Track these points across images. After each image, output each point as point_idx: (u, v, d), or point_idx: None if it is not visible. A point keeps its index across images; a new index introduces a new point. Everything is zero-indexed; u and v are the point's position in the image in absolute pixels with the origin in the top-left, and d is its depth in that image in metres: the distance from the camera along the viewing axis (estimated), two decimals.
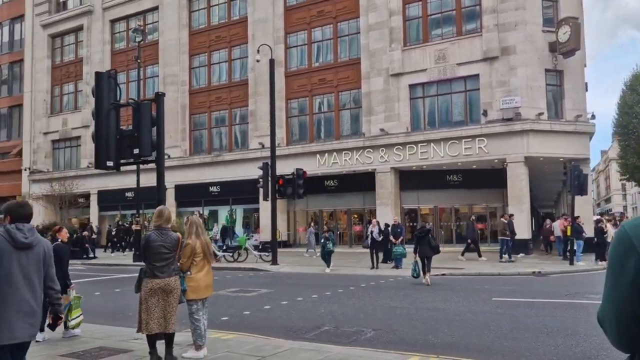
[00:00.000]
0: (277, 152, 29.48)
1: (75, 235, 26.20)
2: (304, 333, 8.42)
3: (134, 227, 25.56)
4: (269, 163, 20.65)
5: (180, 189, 33.23)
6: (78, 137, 38.32)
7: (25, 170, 39.89)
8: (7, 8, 45.48)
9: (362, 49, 28.50)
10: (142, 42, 26.92)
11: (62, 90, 40.00)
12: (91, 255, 26.04)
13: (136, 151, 8.05)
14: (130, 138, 8.19)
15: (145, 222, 27.44)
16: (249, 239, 25.55)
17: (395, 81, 27.21)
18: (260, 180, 21.10)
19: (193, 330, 6.77)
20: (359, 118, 28.77)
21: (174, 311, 6.45)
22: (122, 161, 8.29)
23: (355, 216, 30.88)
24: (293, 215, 31.25)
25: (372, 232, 19.23)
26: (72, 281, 8.21)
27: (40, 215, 36.30)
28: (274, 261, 20.05)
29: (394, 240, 19.10)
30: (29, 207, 4.54)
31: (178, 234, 6.72)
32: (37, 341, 7.81)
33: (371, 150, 27.34)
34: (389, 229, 19.97)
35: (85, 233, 27.37)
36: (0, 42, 46.50)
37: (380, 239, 19.06)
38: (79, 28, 38.85)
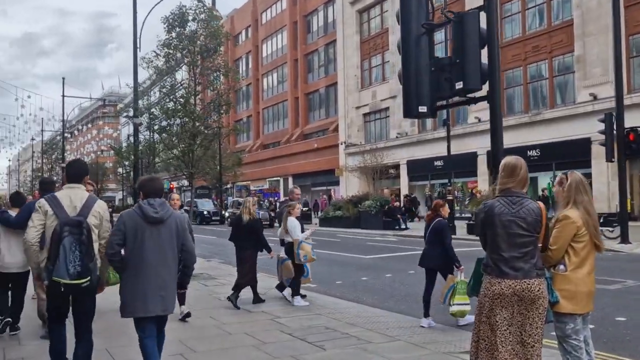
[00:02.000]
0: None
1: (387, 206, 25.81)
2: None
3: (448, 197, 23.68)
4: (614, 114, 16.04)
5: None
6: (386, 109, 38.56)
7: (341, 144, 42.19)
8: None
9: None
10: None
11: (370, 63, 40.78)
12: (403, 226, 25.27)
13: (459, 85, 5.59)
14: (449, 68, 5.76)
15: (457, 192, 25.43)
16: None
17: None
18: (600, 136, 16.68)
19: None
20: None
21: (540, 335, 3.78)
22: (439, 103, 5.94)
23: None
24: (638, 180, 25.08)
25: None
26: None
27: (354, 187, 37.87)
28: (624, 239, 15.56)
29: None
30: (158, 182, 4.55)
31: (540, 203, 3.98)
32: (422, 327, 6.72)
33: None
34: None
35: (397, 204, 26.77)
36: (316, 27, 50.31)
37: None
38: None
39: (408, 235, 22.96)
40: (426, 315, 6.85)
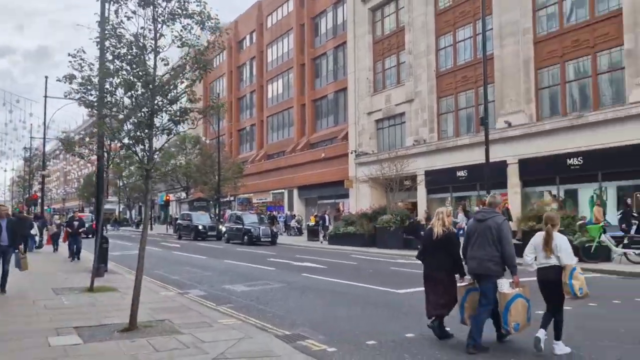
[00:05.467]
0: None
1: (409, 222, 22.15)
2: None
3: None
4: None
5: (526, 164, 26.49)
6: (402, 114, 35.02)
7: (351, 153, 38.64)
8: None
9: None
10: None
11: (384, 65, 37.31)
12: None
13: None
14: None
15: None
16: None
17: None
18: None
19: None
20: None
21: None
22: None
23: None
24: None
25: None
26: None
27: (366, 199, 34.27)
28: None
29: None
30: None
31: None
32: None
33: None
34: None
35: (418, 218, 23.11)
36: (325, 29, 47.11)
37: None
38: None
39: None
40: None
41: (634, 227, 19.05)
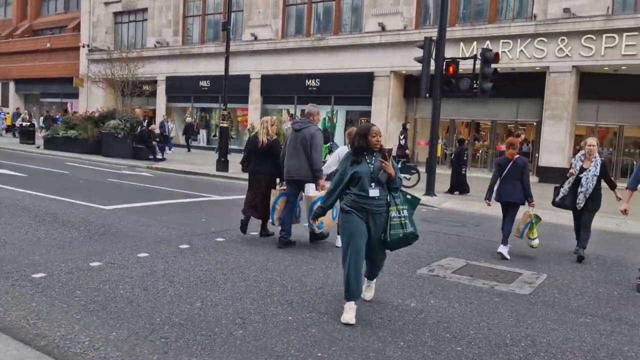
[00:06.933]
0: (403, 38, 22.07)
1: (140, 129, 20.17)
2: None
3: (222, 124, 18.93)
4: (435, 39, 13.25)
5: (268, 81, 26.45)
6: (144, 10, 31.60)
7: (83, 47, 33.87)
8: None
9: None
10: None
11: None
12: (159, 156, 20.00)
13: None
14: None
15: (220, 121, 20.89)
16: None
17: None
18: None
19: None
20: None
21: None
22: None
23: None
24: (413, 124, 24.07)
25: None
26: None
27: (98, 102, 30.71)
28: (430, 190, 13.26)
29: None
30: None
31: None
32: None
33: (545, 40, 19.38)
34: None
35: (153, 127, 21.27)
36: None
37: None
38: None
39: (164, 168, 17.88)
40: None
41: None
